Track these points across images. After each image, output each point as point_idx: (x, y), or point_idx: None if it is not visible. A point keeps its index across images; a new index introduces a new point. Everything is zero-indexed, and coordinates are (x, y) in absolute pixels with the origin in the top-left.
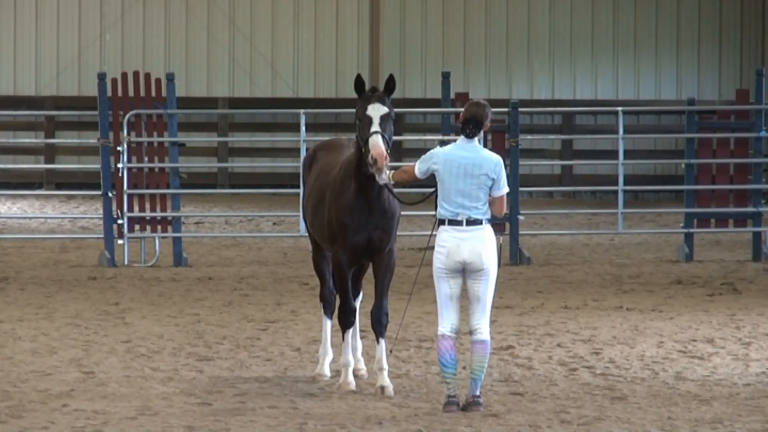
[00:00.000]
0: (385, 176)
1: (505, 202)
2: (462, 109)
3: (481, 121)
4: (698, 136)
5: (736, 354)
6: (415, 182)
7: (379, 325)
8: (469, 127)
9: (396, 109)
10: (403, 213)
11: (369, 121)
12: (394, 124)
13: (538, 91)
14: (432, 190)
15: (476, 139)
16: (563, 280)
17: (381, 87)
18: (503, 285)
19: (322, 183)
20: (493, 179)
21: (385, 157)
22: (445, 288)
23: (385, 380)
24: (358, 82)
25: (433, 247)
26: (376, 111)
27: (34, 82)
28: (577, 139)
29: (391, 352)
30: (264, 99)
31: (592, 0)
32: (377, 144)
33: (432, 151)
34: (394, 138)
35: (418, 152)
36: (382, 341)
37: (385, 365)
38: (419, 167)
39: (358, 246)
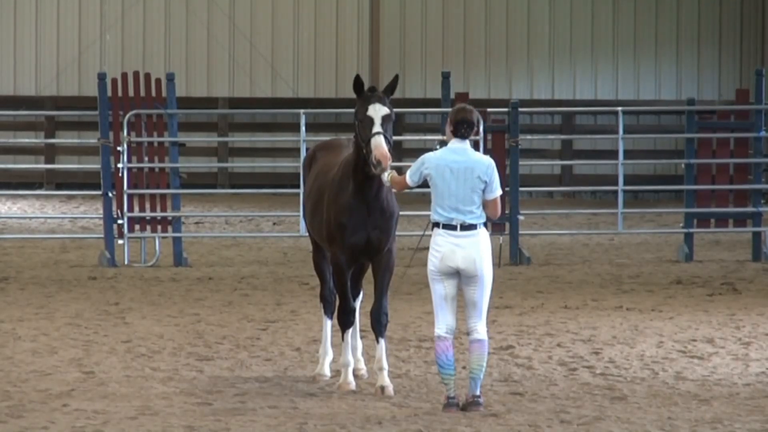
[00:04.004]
0: (386, 177)
1: (499, 205)
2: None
3: (473, 122)
4: (698, 136)
5: (735, 354)
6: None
7: (378, 324)
8: (464, 127)
9: (396, 109)
10: (402, 213)
11: (370, 121)
12: (394, 124)
13: (538, 91)
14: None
15: (467, 141)
16: (563, 280)
17: (382, 87)
18: (503, 285)
19: (320, 183)
20: (486, 182)
21: (389, 158)
22: (440, 289)
23: (385, 380)
24: (357, 83)
25: (425, 248)
26: (377, 111)
27: (34, 82)
28: (577, 139)
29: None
30: (264, 99)
31: (592, 0)
32: (380, 145)
33: (423, 156)
34: (394, 138)
35: (418, 152)
36: (382, 341)
37: (385, 365)
38: (410, 177)
39: (356, 246)
